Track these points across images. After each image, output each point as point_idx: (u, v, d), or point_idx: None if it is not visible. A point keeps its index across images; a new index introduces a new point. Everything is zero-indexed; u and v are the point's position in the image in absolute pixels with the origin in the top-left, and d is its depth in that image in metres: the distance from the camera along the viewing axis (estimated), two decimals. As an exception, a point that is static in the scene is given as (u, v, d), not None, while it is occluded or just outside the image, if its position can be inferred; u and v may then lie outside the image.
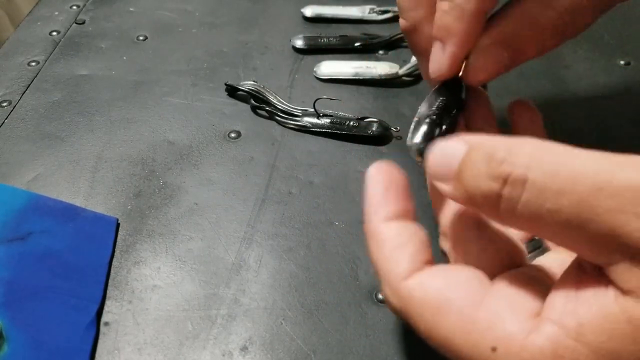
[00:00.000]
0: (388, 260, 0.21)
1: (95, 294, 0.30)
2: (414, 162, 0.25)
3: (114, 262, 0.32)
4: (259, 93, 0.42)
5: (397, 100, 0.43)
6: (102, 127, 0.40)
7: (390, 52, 0.47)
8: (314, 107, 0.40)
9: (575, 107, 0.43)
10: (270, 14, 0.52)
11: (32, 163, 0.37)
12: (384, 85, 0.44)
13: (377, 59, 0.46)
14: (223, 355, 0.28)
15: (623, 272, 0.17)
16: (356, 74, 0.44)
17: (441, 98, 0.25)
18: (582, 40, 0.48)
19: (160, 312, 0.30)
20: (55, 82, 0.44)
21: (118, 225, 0.34)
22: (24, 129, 0.40)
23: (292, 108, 0.41)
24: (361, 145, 0.39)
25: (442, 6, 0.24)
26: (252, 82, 0.42)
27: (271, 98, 0.41)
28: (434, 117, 0.24)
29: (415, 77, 0.44)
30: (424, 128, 0.24)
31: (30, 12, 0.52)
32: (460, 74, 0.26)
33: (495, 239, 0.23)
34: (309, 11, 0.50)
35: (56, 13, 0.52)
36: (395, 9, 0.50)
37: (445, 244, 0.25)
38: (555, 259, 0.23)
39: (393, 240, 0.22)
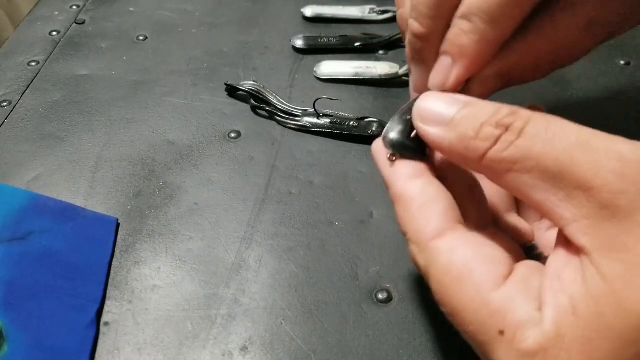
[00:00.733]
0: (416, 218, 0.21)
1: (95, 294, 0.30)
2: None
3: (114, 262, 0.32)
4: (259, 93, 0.42)
5: (397, 100, 0.43)
6: (102, 127, 0.40)
7: (390, 52, 0.47)
8: (314, 107, 0.40)
9: (576, 107, 0.43)
10: (270, 14, 0.52)
11: (32, 163, 0.37)
12: (384, 85, 0.44)
13: (377, 59, 0.46)
14: (223, 355, 0.28)
15: (584, 228, 0.17)
16: (356, 74, 0.44)
17: None
18: (582, 40, 0.48)
19: (160, 312, 0.30)
20: (55, 82, 0.44)
21: (118, 225, 0.34)
22: (24, 129, 0.40)
23: (292, 108, 0.41)
24: (361, 145, 0.39)
25: (462, 25, 0.23)
26: (252, 82, 0.42)
27: (271, 98, 0.41)
28: (409, 116, 0.24)
29: (415, 77, 0.44)
30: (398, 122, 0.24)
31: (30, 12, 0.52)
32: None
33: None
34: (309, 11, 0.50)
35: (56, 13, 0.51)
36: (395, 8, 0.50)
37: None
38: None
39: (420, 198, 0.22)
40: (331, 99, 0.41)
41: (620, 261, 0.16)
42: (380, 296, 0.30)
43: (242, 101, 0.43)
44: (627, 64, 0.46)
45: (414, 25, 0.25)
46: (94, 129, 0.40)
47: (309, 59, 0.47)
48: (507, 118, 0.19)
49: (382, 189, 0.25)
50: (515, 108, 0.20)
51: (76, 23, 0.50)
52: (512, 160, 0.19)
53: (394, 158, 0.23)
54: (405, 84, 0.44)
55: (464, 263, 0.20)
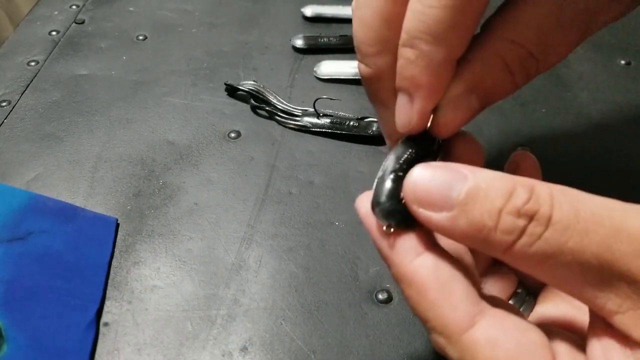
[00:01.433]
0: (438, 306, 0.18)
1: (95, 294, 0.30)
2: None
3: (114, 263, 0.32)
4: (259, 93, 0.42)
5: (397, 100, 0.43)
6: (102, 127, 0.40)
7: (390, 52, 0.47)
8: (314, 107, 0.40)
9: (577, 107, 0.43)
10: (270, 14, 0.52)
11: (31, 163, 0.37)
12: (384, 85, 0.44)
13: (377, 59, 0.46)
14: (223, 355, 0.28)
15: (634, 320, 0.16)
16: (356, 74, 0.44)
17: (409, 150, 0.21)
18: (583, 40, 0.48)
19: (159, 312, 0.30)
20: (54, 82, 0.44)
21: (117, 225, 0.34)
22: (23, 129, 0.40)
23: (292, 108, 0.41)
24: (361, 145, 0.39)
25: (406, 54, 0.20)
26: (252, 82, 0.42)
27: (271, 98, 0.41)
28: (401, 172, 0.20)
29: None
30: (388, 185, 0.20)
31: (29, 11, 0.52)
32: (429, 125, 0.22)
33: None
34: (309, 11, 0.50)
35: (56, 13, 0.51)
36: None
37: None
38: (552, 311, 0.23)
39: (436, 280, 0.18)
40: (331, 99, 0.41)
41: None
42: (380, 296, 0.30)
43: (242, 101, 0.43)
44: (628, 63, 0.46)
45: (361, 68, 0.22)
46: (94, 128, 0.40)
47: (309, 58, 0.47)
48: (529, 204, 0.17)
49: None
50: (530, 183, 0.17)
51: (76, 23, 0.50)
52: (544, 256, 0.17)
53: (392, 230, 0.19)
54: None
55: (510, 358, 0.17)
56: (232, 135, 0.40)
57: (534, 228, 0.17)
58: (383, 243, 0.20)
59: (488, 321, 0.18)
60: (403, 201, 0.19)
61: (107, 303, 0.30)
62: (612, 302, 0.16)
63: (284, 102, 0.41)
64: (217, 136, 0.40)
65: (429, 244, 0.19)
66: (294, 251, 0.33)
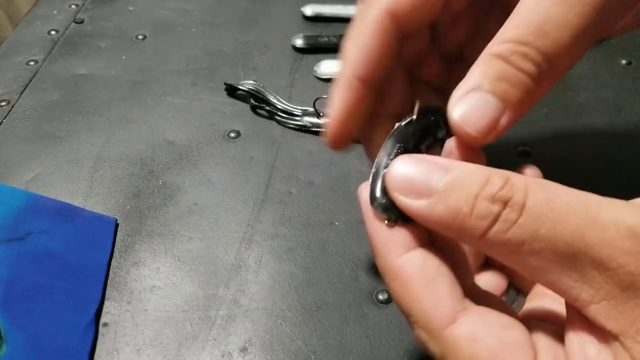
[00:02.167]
0: (421, 301, 0.19)
1: (94, 295, 0.30)
2: None
3: (113, 263, 0.32)
4: (258, 93, 0.41)
5: (397, 99, 0.43)
6: (101, 127, 0.40)
7: (390, 52, 0.47)
8: (314, 107, 0.40)
9: (577, 107, 0.42)
10: (270, 13, 0.52)
11: (30, 163, 0.37)
12: (384, 84, 0.44)
13: (377, 59, 0.46)
14: (222, 356, 0.28)
15: (607, 310, 0.16)
16: (356, 74, 0.44)
17: (399, 145, 0.22)
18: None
19: (159, 312, 0.30)
20: (54, 81, 0.44)
21: (117, 225, 0.34)
22: (22, 128, 0.40)
23: (292, 108, 0.41)
24: (361, 145, 0.39)
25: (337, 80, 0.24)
26: (252, 82, 0.42)
27: (271, 98, 0.41)
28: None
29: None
30: (382, 180, 0.20)
31: (29, 11, 0.52)
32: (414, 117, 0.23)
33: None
34: (309, 10, 0.50)
35: (55, 12, 0.51)
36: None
37: None
38: (538, 306, 0.23)
39: (422, 276, 0.19)
40: (331, 99, 0.41)
41: None
42: (380, 297, 0.30)
43: (241, 101, 0.43)
44: (629, 63, 0.46)
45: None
46: (93, 128, 0.40)
47: (309, 58, 0.46)
48: (503, 191, 0.17)
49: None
50: (506, 173, 0.18)
51: (75, 22, 0.50)
52: (518, 242, 0.17)
53: (393, 224, 0.20)
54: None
55: (490, 355, 0.17)
56: (232, 135, 0.40)
57: (507, 214, 0.17)
58: (376, 234, 0.20)
59: (470, 318, 0.18)
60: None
61: (107, 303, 0.30)
62: (585, 293, 0.17)
63: (284, 102, 0.41)
64: (216, 136, 0.40)
65: (422, 241, 0.20)
66: (294, 251, 0.33)
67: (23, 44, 0.48)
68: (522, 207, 0.17)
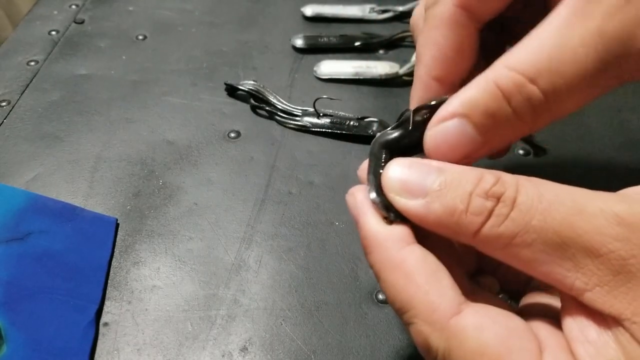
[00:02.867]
0: (426, 292, 0.18)
1: (95, 295, 0.30)
2: None
3: (113, 263, 0.32)
4: (258, 93, 0.41)
5: (397, 100, 0.43)
6: (101, 127, 0.40)
7: (390, 52, 0.47)
8: (314, 107, 0.40)
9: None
10: (270, 13, 0.52)
11: (31, 163, 0.37)
12: (385, 84, 0.44)
13: (378, 59, 0.46)
14: (223, 356, 0.28)
15: (602, 296, 0.17)
16: (356, 74, 0.44)
17: (387, 150, 0.22)
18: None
19: (159, 312, 0.30)
20: (54, 81, 0.44)
21: (117, 225, 0.34)
22: (22, 128, 0.40)
23: (292, 108, 0.41)
24: (361, 145, 0.39)
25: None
26: (252, 82, 0.42)
27: (271, 98, 0.41)
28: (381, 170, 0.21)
29: (415, 77, 0.44)
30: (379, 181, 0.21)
31: (29, 11, 0.52)
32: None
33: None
34: (309, 10, 0.50)
35: (55, 12, 0.51)
36: (396, 8, 0.50)
37: None
38: (534, 302, 0.23)
39: (425, 267, 0.19)
40: (331, 99, 0.41)
41: None
42: (380, 296, 0.30)
43: (241, 101, 0.43)
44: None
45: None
46: (93, 128, 0.40)
47: (308, 58, 0.46)
48: (495, 187, 0.18)
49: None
50: (497, 173, 0.18)
51: (75, 22, 0.50)
52: (510, 235, 0.17)
53: (391, 222, 0.20)
54: (406, 84, 0.44)
55: (499, 342, 0.17)
56: (232, 135, 0.40)
57: (500, 209, 0.18)
58: (376, 229, 0.20)
59: (474, 308, 0.18)
60: None
61: (107, 303, 0.30)
62: (579, 281, 0.17)
63: (284, 102, 0.41)
64: (217, 136, 0.40)
65: (420, 239, 0.20)
66: (294, 251, 0.33)
67: (23, 44, 0.48)
68: (514, 201, 0.18)
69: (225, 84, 0.43)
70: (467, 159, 0.20)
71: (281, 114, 0.41)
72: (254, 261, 0.32)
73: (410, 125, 0.22)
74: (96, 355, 0.28)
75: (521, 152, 0.39)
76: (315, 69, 0.45)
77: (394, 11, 0.50)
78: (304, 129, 0.40)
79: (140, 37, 0.49)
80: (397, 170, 0.20)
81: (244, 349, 0.28)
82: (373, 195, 0.21)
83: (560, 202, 0.17)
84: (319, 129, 0.40)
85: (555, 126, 0.41)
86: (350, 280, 0.31)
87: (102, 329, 0.29)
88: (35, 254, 0.30)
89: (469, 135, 0.20)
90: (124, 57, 0.47)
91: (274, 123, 0.41)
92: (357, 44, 0.47)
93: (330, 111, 0.41)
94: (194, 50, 0.47)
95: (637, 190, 0.18)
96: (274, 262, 0.32)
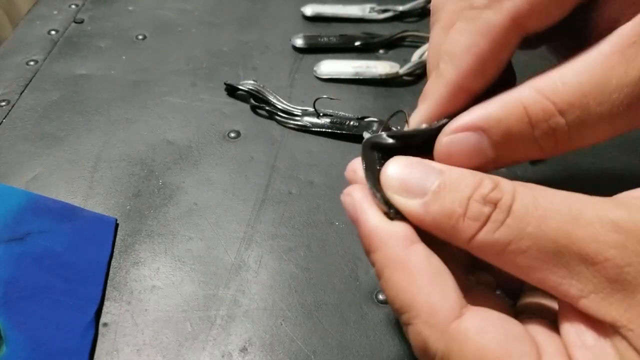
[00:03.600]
0: (427, 294, 0.18)
1: (94, 295, 0.30)
2: None
3: (113, 263, 0.32)
4: (258, 93, 0.41)
5: (397, 100, 0.43)
6: (101, 127, 0.40)
7: (390, 52, 0.47)
8: (314, 107, 0.40)
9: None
10: (270, 13, 0.52)
11: (30, 163, 0.37)
12: (385, 84, 0.44)
13: (378, 58, 0.46)
14: (222, 356, 0.28)
15: (597, 303, 0.17)
16: (356, 74, 0.44)
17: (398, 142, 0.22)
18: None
19: (159, 312, 0.30)
20: (54, 81, 0.44)
21: (117, 225, 0.34)
22: (22, 128, 0.40)
23: (292, 108, 0.41)
24: (361, 145, 0.39)
25: (430, 75, 0.22)
26: (252, 82, 0.42)
27: (271, 98, 0.41)
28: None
29: (415, 77, 0.44)
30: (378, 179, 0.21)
31: (29, 11, 0.52)
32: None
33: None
34: (309, 10, 0.50)
35: (55, 12, 0.51)
36: (396, 7, 0.50)
37: None
38: (531, 302, 0.23)
39: (429, 268, 0.19)
40: (331, 99, 0.41)
41: None
42: (380, 297, 0.30)
43: (241, 101, 0.43)
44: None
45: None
46: (93, 128, 0.40)
47: (309, 58, 0.46)
48: (493, 193, 0.18)
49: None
50: (496, 178, 0.19)
51: (75, 22, 0.50)
52: (505, 242, 0.17)
53: (392, 218, 0.20)
54: (406, 84, 0.44)
55: (499, 346, 0.17)
56: (232, 135, 0.40)
57: (497, 215, 0.18)
58: (380, 225, 0.20)
59: (475, 312, 0.18)
60: None
61: (107, 303, 0.30)
62: (574, 288, 0.17)
63: (284, 102, 0.41)
64: (216, 136, 0.40)
65: (422, 239, 0.20)
66: (294, 251, 0.33)
67: (23, 43, 0.48)
68: (510, 208, 0.18)
69: (225, 84, 0.43)
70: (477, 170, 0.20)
71: (281, 114, 0.41)
72: (254, 261, 0.32)
73: (406, 126, 0.22)
74: (96, 356, 0.28)
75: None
76: (315, 69, 0.45)
77: (394, 11, 0.50)
78: (304, 129, 0.40)
79: (140, 37, 0.49)
80: (397, 169, 0.20)
81: (243, 350, 0.28)
82: (373, 191, 0.20)
83: (555, 210, 0.17)
84: (319, 129, 0.40)
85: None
86: (350, 280, 0.31)
87: (101, 329, 0.29)
88: (35, 254, 0.30)
89: (483, 150, 0.20)
90: (123, 57, 0.46)
91: (274, 123, 0.41)
92: (357, 44, 0.47)
93: (330, 111, 0.41)
94: (194, 50, 0.47)
95: (633, 195, 0.18)
96: (274, 262, 0.32)
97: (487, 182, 0.18)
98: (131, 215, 0.34)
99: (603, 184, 0.36)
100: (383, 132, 0.22)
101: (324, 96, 0.40)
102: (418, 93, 0.22)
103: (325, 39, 0.47)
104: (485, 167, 0.20)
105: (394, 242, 0.19)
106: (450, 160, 0.20)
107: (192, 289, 0.31)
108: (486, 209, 0.18)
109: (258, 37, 0.49)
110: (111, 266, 0.32)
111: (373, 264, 0.20)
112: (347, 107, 0.42)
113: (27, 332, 0.27)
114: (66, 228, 0.32)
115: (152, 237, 0.33)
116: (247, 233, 0.33)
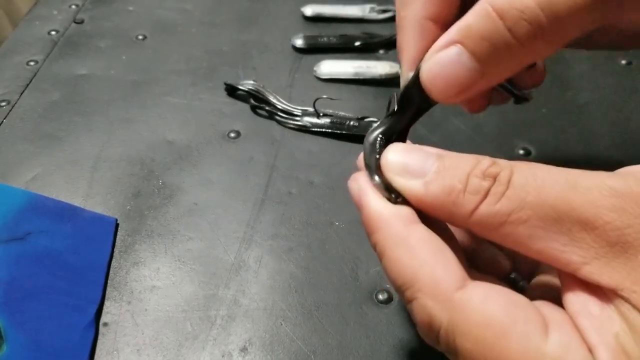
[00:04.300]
0: (431, 266, 0.18)
1: (94, 295, 0.30)
2: None
3: (113, 263, 0.32)
4: (258, 93, 0.41)
5: (397, 99, 0.43)
6: (101, 127, 0.40)
7: (390, 52, 0.47)
8: (314, 107, 0.40)
9: (577, 107, 0.42)
10: (270, 13, 0.52)
11: (30, 163, 0.37)
12: (385, 84, 0.44)
13: (378, 59, 0.46)
14: (222, 356, 0.28)
15: (600, 268, 0.17)
16: (356, 74, 0.44)
17: (383, 136, 0.23)
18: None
19: (159, 312, 0.30)
20: (54, 81, 0.44)
21: (117, 225, 0.34)
22: (22, 128, 0.40)
23: (292, 108, 0.41)
24: (361, 145, 0.39)
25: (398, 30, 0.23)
26: (252, 82, 0.42)
27: (271, 98, 0.41)
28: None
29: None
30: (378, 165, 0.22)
31: (29, 11, 0.52)
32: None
33: None
34: (309, 10, 0.50)
35: (55, 12, 0.51)
36: (395, 8, 0.50)
37: None
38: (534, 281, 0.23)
39: (431, 242, 0.19)
40: (331, 99, 0.41)
41: None
42: (380, 297, 0.30)
43: (241, 101, 0.43)
44: (629, 63, 0.46)
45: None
46: (93, 128, 0.40)
47: (308, 58, 0.46)
48: (492, 168, 0.18)
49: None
50: (493, 158, 0.19)
51: (75, 22, 0.50)
52: (506, 213, 0.18)
53: (395, 202, 0.20)
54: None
55: (504, 313, 0.17)
56: (232, 135, 0.40)
57: (496, 188, 0.18)
58: (383, 207, 0.20)
59: (478, 283, 0.19)
60: None
61: (107, 303, 0.30)
62: (576, 255, 0.17)
63: (284, 102, 0.41)
64: (216, 136, 0.40)
65: (423, 221, 0.20)
66: (294, 251, 0.33)
67: (23, 44, 0.48)
68: (509, 180, 0.18)
69: (225, 84, 0.43)
70: (465, 93, 0.20)
71: (281, 114, 0.41)
72: (254, 261, 0.32)
73: (396, 105, 0.22)
74: (96, 356, 0.28)
75: (521, 152, 0.39)
76: (315, 69, 0.45)
77: (394, 11, 0.50)
78: (304, 129, 0.40)
79: (140, 37, 0.49)
80: (397, 154, 0.21)
81: (243, 349, 0.28)
82: (374, 178, 0.21)
83: (554, 180, 0.18)
84: (319, 129, 0.40)
85: (556, 126, 0.41)
86: (350, 281, 0.31)
87: (101, 329, 0.29)
88: (35, 254, 0.30)
89: (465, 64, 0.19)
90: (123, 57, 0.46)
91: (274, 123, 0.41)
92: (357, 44, 0.47)
93: (330, 111, 0.41)
94: (194, 50, 0.47)
95: (630, 169, 0.18)
96: (274, 262, 0.32)
97: (485, 159, 0.19)
98: (131, 215, 0.34)
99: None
100: (374, 123, 0.23)
101: (324, 96, 0.40)
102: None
103: (325, 39, 0.48)
104: (476, 85, 0.20)
105: (395, 221, 0.20)
106: (437, 85, 0.20)
107: (192, 289, 0.31)
108: (485, 183, 0.18)
109: (258, 37, 0.49)
110: (111, 266, 0.32)
111: (374, 246, 0.20)
112: (347, 107, 0.42)
113: (27, 332, 0.27)
114: (66, 228, 0.32)
115: (152, 237, 0.33)
116: (247, 233, 0.33)
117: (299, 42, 0.47)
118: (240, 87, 0.42)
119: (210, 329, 0.29)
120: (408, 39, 0.23)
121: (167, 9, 0.52)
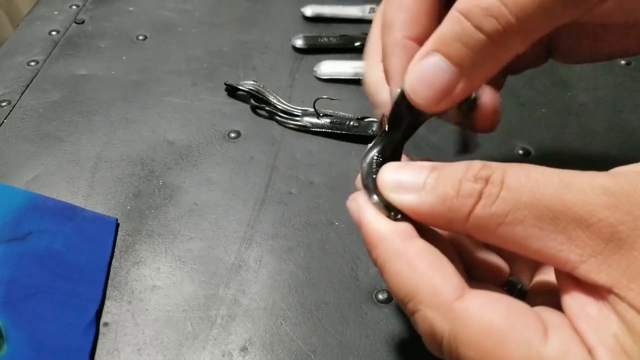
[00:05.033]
0: (430, 277, 0.19)
1: (95, 294, 0.30)
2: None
3: (114, 263, 0.32)
4: (258, 93, 0.42)
5: (397, 100, 0.43)
6: (102, 127, 0.40)
7: (390, 52, 0.47)
8: (314, 107, 0.40)
9: (576, 107, 0.43)
10: (270, 14, 0.52)
11: (31, 163, 0.37)
12: (384, 85, 0.44)
13: (377, 59, 0.46)
14: (223, 355, 0.28)
15: (597, 266, 0.17)
16: (356, 74, 0.44)
17: (387, 142, 0.24)
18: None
19: (159, 312, 0.30)
20: (54, 82, 0.44)
21: (117, 225, 0.34)
22: (23, 128, 0.40)
23: (292, 108, 0.41)
24: (361, 145, 0.39)
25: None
26: (252, 82, 0.42)
27: (271, 98, 0.41)
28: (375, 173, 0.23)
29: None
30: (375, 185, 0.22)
31: (29, 11, 0.52)
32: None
33: None
34: (309, 11, 0.50)
35: (55, 12, 0.51)
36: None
37: None
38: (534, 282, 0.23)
39: (429, 255, 0.19)
40: (331, 99, 0.41)
41: None
42: (380, 296, 0.30)
43: (241, 101, 0.43)
44: (628, 63, 0.46)
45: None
46: (94, 128, 0.40)
47: (308, 58, 0.47)
48: (483, 171, 0.19)
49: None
50: (483, 161, 0.19)
51: (76, 23, 0.50)
52: (502, 214, 0.18)
53: (395, 219, 0.21)
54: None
55: (503, 319, 0.18)
56: (232, 135, 0.40)
57: (490, 189, 0.18)
58: (382, 224, 0.21)
59: (477, 291, 0.19)
60: None
61: (107, 303, 0.30)
62: (573, 253, 0.17)
63: (284, 102, 0.41)
64: (217, 136, 0.40)
65: (422, 235, 0.21)
66: (294, 251, 0.33)
67: (24, 44, 0.48)
68: (502, 182, 0.18)
69: (225, 84, 0.43)
70: (449, 97, 0.21)
71: (281, 114, 0.41)
72: (254, 261, 0.32)
73: (387, 126, 0.23)
74: (96, 355, 0.28)
75: (521, 152, 0.39)
76: (315, 69, 0.45)
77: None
78: (304, 129, 0.40)
79: (141, 38, 0.49)
80: (390, 172, 0.21)
81: (244, 349, 0.28)
82: (373, 197, 0.22)
83: (547, 180, 0.18)
84: (319, 129, 0.40)
85: (555, 126, 0.41)
86: (350, 280, 0.31)
87: (102, 329, 0.29)
88: (36, 254, 0.30)
89: (444, 68, 0.20)
90: (124, 57, 0.47)
91: (274, 123, 0.41)
92: (357, 44, 0.47)
93: (330, 111, 0.41)
94: (194, 51, 0.47)
95: (621, 169, 0.18)
96: (274, 262, 0.32)
97: (476, 163, 0.19)
98: (131, 215, 0.34)
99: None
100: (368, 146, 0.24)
101: (324, 96, 0.40)
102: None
103: (325, 39, 0.48)
104: (458, 89, 0.21)
105: (393, 236, 0.20)
106: (419, 92, 0.21)
107: (193, 289, 0.31)
108: (477, 185, 0.18)
109: (258, 37, 0.49)
110: (112, 266, 0.32)
111: (375, 261, 0.21)
112: (347, 107, 0.42)
113: (28, 332, 0.27)
114: (67, 228, 0.32)
115: (152, 237, 0.33)
116: (247, 233, 0.34)
117: (299, 43, 0.47)
118: (241, 87, 0.42)
119: (211, 329, 0.29)
120: (394, 61, 0.23)
121: (168, 9, 0.52)
